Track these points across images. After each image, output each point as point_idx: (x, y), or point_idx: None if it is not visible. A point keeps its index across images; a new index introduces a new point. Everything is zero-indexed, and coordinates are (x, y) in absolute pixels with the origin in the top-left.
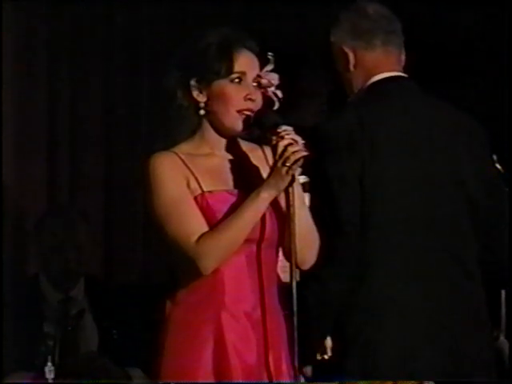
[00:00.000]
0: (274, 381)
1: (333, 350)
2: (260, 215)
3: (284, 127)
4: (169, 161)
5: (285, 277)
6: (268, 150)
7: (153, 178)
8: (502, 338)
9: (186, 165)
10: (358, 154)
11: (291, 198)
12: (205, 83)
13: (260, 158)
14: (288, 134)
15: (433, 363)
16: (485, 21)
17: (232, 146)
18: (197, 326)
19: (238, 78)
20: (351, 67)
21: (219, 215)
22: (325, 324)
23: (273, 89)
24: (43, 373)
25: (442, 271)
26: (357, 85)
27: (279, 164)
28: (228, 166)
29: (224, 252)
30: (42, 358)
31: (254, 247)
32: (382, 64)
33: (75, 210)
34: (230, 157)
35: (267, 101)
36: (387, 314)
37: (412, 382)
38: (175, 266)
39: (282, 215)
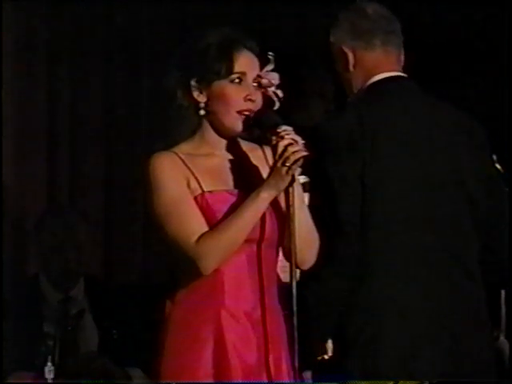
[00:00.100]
0: (274, 381)
1: (333, 350)
2: (260, 215)
3: (284, 127)
4: (169, 161)
5: (285, 277)
6: (268, 150)
7: (153, 178)
8: (502, 337)
9: (186, 165)
10: (358, 154)
11: (291, 198)
12: (205, 83)
13: (260, 157)
14: (288, 134)
15: (433, 363)
16: (485, 21)
17: (232, 146)
18: (197, 325)
19: (238, 78)
20: (351, 67)
21: (219, 215)
22: (325, 324)
23: (273, 88)
24: (43, 373)
25: (442, 271)
26: (356, 85)
27: (279, 164)
28: (228, 165)
29: (224, 252)
30: (42, 358)
31: (254, 247)
32: (381, 64)
33: (75, 209)
34: (230, 157)
35: (267, 101)
36: (387, 314)
37: (412, 382)
38: (175, 266)
39: (282, 215)
